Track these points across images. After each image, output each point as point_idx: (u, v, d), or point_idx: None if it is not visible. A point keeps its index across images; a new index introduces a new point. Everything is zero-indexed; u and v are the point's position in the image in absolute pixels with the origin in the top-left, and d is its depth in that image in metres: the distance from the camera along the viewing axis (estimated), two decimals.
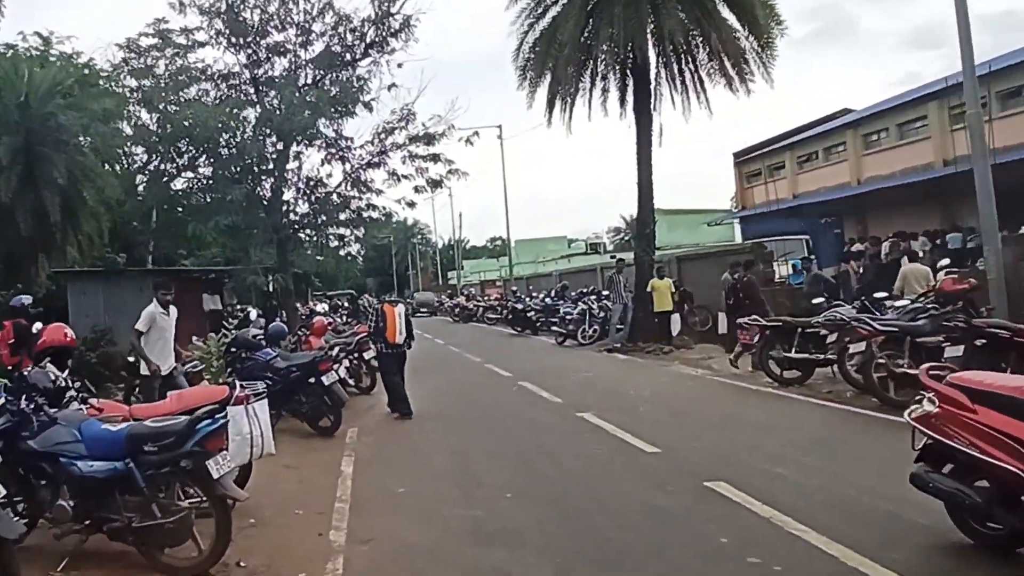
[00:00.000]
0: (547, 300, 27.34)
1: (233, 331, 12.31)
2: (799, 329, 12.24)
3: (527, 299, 29.12)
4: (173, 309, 9.67)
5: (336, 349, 11.42)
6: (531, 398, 12.25)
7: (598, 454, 8.17)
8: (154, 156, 20.75)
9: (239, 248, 22.30)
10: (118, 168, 23.36)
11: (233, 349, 10.66)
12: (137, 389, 11.06)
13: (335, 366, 10.36)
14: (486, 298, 40.86)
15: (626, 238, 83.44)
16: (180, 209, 21.75)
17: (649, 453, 7.91)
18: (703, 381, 13.38)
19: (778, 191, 36.59)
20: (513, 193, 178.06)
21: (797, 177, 37.58)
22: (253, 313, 17.04)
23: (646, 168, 19.38)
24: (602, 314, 21.06)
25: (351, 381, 11.88)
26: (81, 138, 22.51)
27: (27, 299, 10.09)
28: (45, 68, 24.60)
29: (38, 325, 10.55)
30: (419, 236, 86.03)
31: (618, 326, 19.44)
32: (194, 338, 14.06)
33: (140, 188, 23.74)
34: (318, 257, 23.28)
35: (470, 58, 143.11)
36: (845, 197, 30.81)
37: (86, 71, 26.97)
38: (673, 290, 18.87)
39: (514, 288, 34.22)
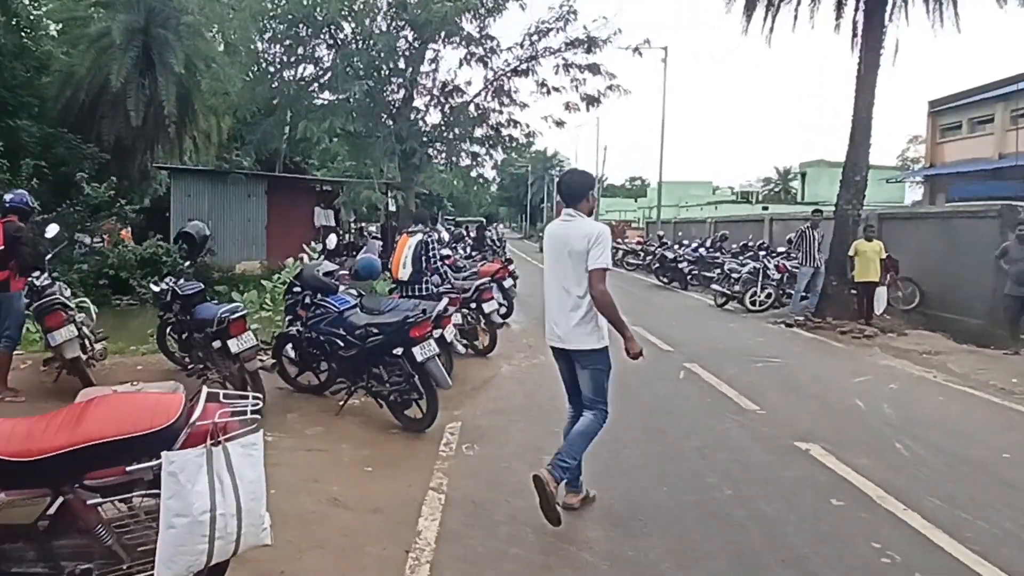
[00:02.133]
0: (701, 251, 23.00)
1: (315, 255, 9.09)
2: None
3: (677, 247, 24.86)
4: None
5: (444, 302, 7.88)
6: (712, 399, 8.33)
7: (891, 569, 4.27)
8: (272, 44, 17.65)
9: (362, 159, 19.18)
10: (252, 67, 20.58)
11: (296, 289, 7.34)
12: (170, 328, 7.99)
13: (436, 332, 6.86)
14: (625, 241, 36.69)
15: (776, 189, 76.46)
16: (293, 109, 18.67)
17: None
18: (959, 395, 8.94)
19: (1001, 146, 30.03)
20: (657, 130, 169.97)
21: (1007, 134, 30.85)
22: (369, 234, 13.94)
23: (867, 95, 14.56)
24: (778, 275, 16.69)
25: (460, 345, 8.43)
26: (197, 18, 19.86)
27: (22, 195, 6.99)
28: None
29: (53, 228, 7.61)
30: (557, 168, 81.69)
31: (803, 294, 15.10)
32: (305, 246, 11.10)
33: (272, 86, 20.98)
34: (444, 175, 19.79)
35: None
36: None
37: None
38: (883, 256, 14.32)
39: (660, 233, 29.87)
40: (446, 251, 14.10)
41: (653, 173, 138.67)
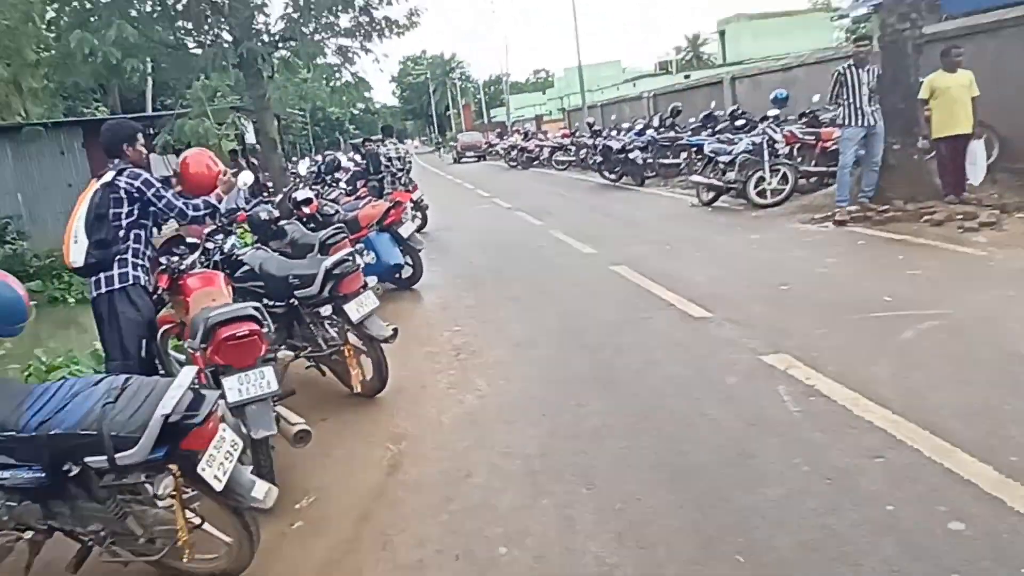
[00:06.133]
0: (650, 132, 17.58)
1: None
2: None
3: (617, 133, 19.42)
4: None
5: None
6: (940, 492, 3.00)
7: None
8: None
9: (185, 77, 12.83)
10: None
11: None
12: None
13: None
14: (545, 136, 31.04)
15: (687, 58, 70.24)
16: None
17: None
18: None
19: None
20: (553, 20, 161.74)
21: None
22: (241, 181, 8.09)
23: None
24: (785, 148, 11.39)
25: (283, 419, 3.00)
26: None
27: None
28: None
29: None
30: (458, 72, 73.49)
31: (849, 169, 9.47)
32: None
33: None
34: (307, 82, 13.69)
35: None
36: None
37: None
38: (976, 93, 8.76)
39: (590, 120, 24.25)
40: (304, 193, 8.35)
41: (555, 64, 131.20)
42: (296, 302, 4.63)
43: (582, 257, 9.16)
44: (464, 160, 40.30)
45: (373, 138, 13.70)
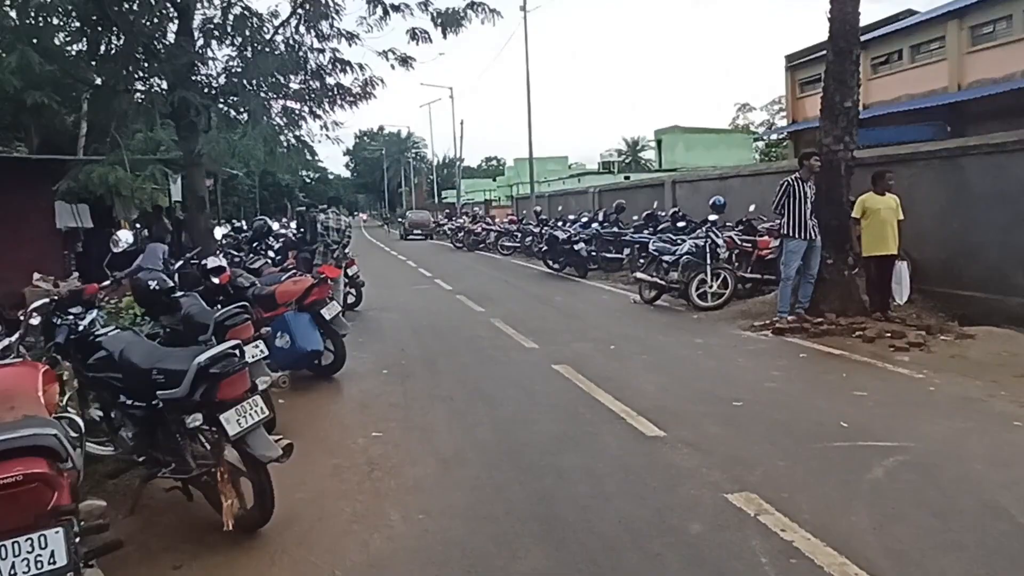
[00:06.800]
0: (595, 226, 17.15)
1: None
2: None
3: (562, 224, 18.92)
4: None
5: None
6: None
7: None
8: None
9: (109, 120, 11.59)
10: None
11: None
12: None
13: None
14: (493, 220, 30.54)
15: (627, 160, 72.36)
16: None
17: None
18: None
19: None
20: (507, 112, 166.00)
21: (869, 83, 28.12)
22: (122, 240, 6.70)
23: None
24: (725, 253, 11.04)
25: None
26: None
27: None
28: None
29: None
30: (414, 151, 73.44)
31: (791, 279, 9.23)
32: (36, 275, 5.88)
33: None
34: (245, 140, 12.58)
35: None
36: (939, 106, 22.26)
37: None
38: (901, 216, 8.92)
39: (537, 208, 23.80)
40: (215, 260, 7.18)
41: (508, 152, 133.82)
42: (161, 404, 3.46)
43: (523, 352, 8.19)
44: (411, 237, 39.44)
45: (319, 206, 12.80)
